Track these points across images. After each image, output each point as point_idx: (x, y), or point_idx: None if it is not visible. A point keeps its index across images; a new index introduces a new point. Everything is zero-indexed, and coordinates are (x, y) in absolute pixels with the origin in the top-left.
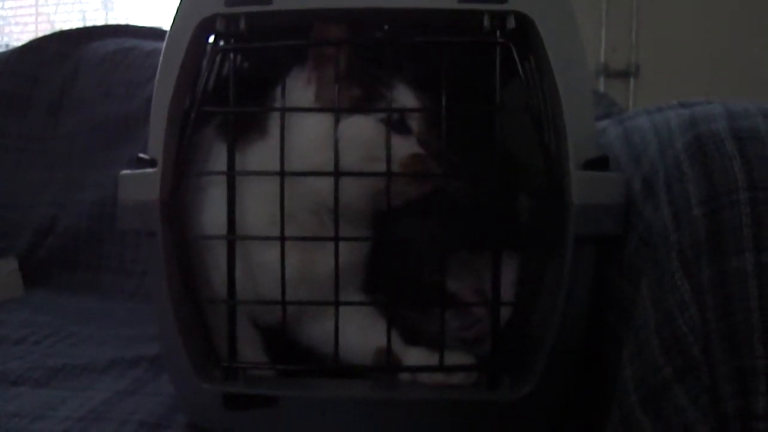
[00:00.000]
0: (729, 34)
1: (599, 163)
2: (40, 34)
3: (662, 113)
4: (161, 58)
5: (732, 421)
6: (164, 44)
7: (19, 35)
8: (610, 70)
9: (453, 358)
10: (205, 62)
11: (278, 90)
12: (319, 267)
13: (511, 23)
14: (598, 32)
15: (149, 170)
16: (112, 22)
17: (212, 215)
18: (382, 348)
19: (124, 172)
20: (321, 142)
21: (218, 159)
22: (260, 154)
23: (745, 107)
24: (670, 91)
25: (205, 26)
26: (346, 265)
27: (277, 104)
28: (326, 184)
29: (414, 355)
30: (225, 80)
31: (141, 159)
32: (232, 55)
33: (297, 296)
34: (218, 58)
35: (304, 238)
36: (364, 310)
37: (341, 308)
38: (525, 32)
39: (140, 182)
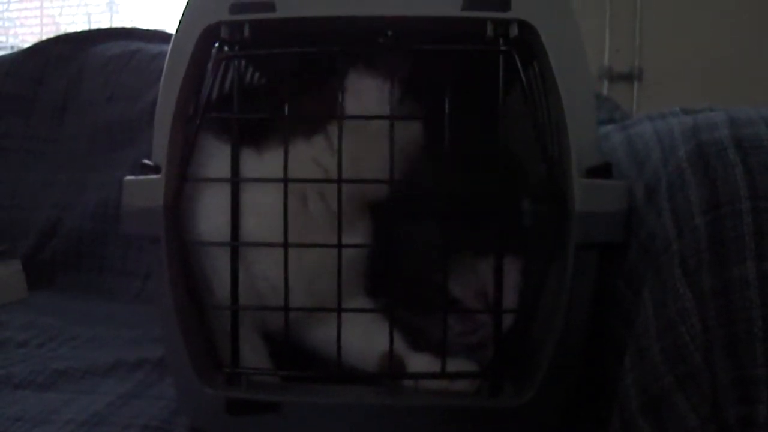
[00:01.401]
0: (732, 37)
1: (602, 171)
2: (45, 36)
3: (665, 120)
4: (165, 65)
5: (733, 429)
6: (168, 52)
7: (24, 37)
8: (614, 73)
9: (456, 365)
10: (209, 69)
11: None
12: (323, 257)
13: (514, 31)
14: (601, 36)
15: (153, 177)
16: (117, 24)
17: (214, 218)
18: (387, 353)
19: (128, 177)
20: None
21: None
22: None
23: (748, 114)
24: (674, 94)
25: (210, 34)
26: (350, 259)
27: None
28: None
29: (418, 361)
30: (244, 87)
31: (145, 165)
32: (236, 62)
33: (300, 294)
34: (222, 66)
35: (306, 245)
36: (369, 314)
37: (345, 312)
38: (527, 39)
39: (144, 188)
